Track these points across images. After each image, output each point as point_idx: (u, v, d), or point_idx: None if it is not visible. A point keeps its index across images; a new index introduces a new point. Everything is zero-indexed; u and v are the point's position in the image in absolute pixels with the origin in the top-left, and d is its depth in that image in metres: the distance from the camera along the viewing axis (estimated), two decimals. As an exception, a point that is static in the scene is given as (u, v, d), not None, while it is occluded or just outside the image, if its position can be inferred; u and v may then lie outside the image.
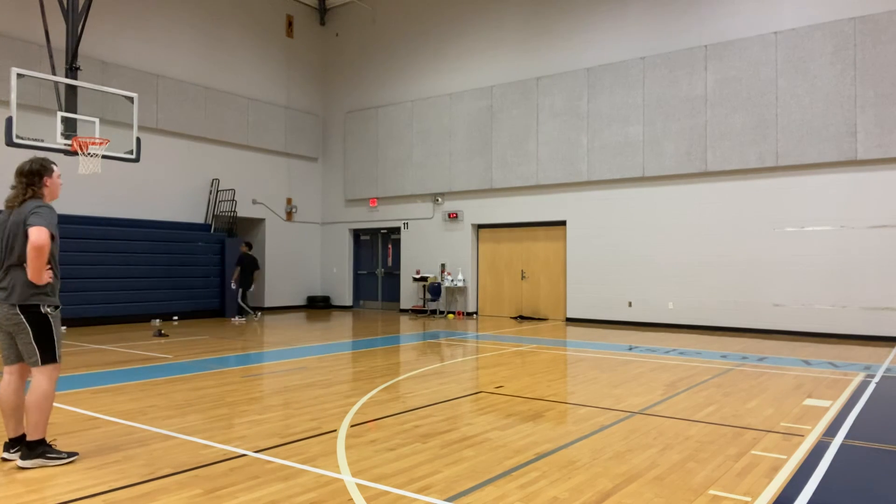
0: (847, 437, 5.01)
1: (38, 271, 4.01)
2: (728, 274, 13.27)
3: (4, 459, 4.24)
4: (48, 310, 4.15)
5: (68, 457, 4.21)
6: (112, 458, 4.36)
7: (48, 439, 4.24)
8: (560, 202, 15.65)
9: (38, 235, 3.93)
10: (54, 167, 4.34)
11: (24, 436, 4.26)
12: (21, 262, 4.08)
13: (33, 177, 4.24)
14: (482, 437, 4.94)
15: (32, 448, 4.11)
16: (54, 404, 5.93)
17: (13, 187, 4.26)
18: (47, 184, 4.30)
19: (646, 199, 14.39)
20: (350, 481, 3.90)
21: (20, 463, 4.09)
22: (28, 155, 4.74)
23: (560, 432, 5.14)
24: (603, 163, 14.84)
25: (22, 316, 4.08)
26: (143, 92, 14.43)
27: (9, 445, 4.27)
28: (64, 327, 12.81)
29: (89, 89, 10.87)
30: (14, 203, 4.22)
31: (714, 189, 13.53)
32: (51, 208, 4.16)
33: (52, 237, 4.03)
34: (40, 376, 4.13)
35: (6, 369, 4.25)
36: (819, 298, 12.35)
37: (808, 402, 6.35)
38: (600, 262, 14.94)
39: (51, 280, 4.13)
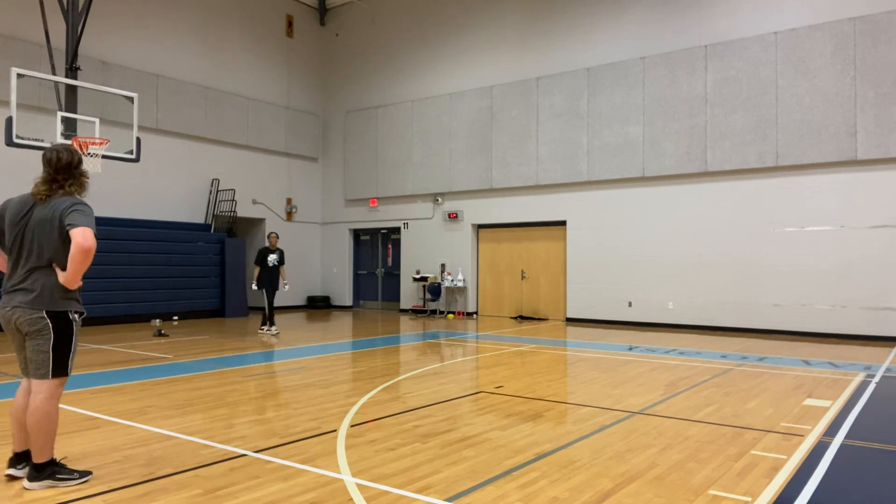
0: (847, 437, 5.01)
1: (79, 276, 3.68)
2: (728, 274, 13.27)
3: (11, 477, 3.83)
4: (75, 316, 3.80)
5: (80, 477, 3.83)
6: (112, 458, 4.36)
7: (59, 458, 3.91)
8: (560, 202, 15.65)
9: (86, 237, 3.57)
10: None
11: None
12: (51, 264, 3.72)
13: (76, 168, 3.85)
14: (482, 437, 4.94)
15: (40, 469, 3.73)
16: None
17: (44, 179, 3.80)
18: (88, 174, 3.96)
19: (646, 199, 14.39)
20: (350, 481, 3.90)
21: (27, 485, 3.72)
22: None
23: (560, 432, 5.14)
24: (603, 163, 14.84)
25: (48, 320, 3.70)
26: (143, 92, 14.43)
27: (14, 461, 3.87)
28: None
29: (89, 89, 10.86)
30: (42, 196, 3.76)
31: (714, 189, 13.53)
32: (89, 206, 3.77)
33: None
34: (43, 394, 3.72)
35: (25, 378, 3.91)
36: (819, 298, 12.35)
37: (808, 402, 6.35)
38: (600, 262, 14.94)
39: (80, 283, 3.80)
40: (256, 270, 12.23)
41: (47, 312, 3.71)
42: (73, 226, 3.61)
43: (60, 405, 5.88)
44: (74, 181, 3.85)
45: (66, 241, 3.67)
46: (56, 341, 3.73)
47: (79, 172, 3.89)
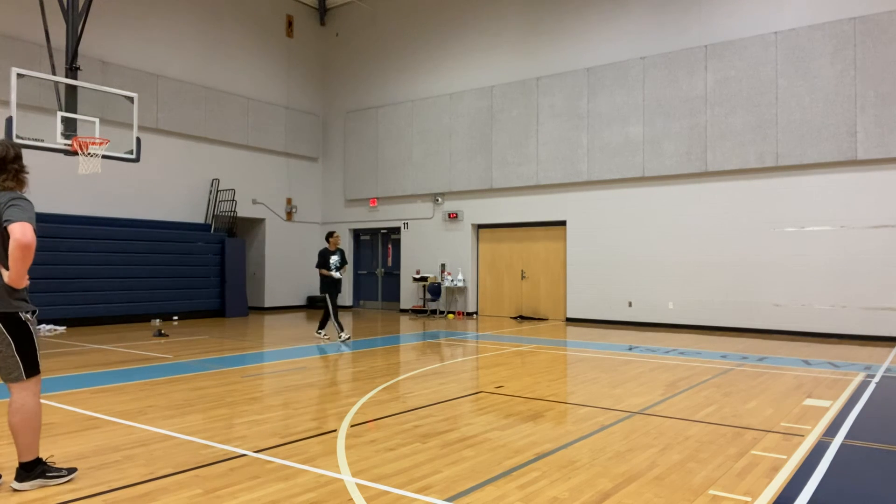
0: (847, 437, 5.01)
1: (22, 274, 3.57)
2: (728, 274, 13.27)
3: None
4: (27, 316, 3.72)
5: (68, 473, 3.87)
6: (112, 458, 4.36)
7: (44, 457, 3.92)
8: (560, 202, 15.65)
9: (25, 232, 3.48)
10: None
11: None
12: None
13: (10, 163, 3.76)
14: (482, 437, 4.94)
15: (29, 469, 3.75)
16: (53, 404, 5.96)
17: None
18: (27, 170, 3.85)
19: (646, 199, 14.39)
20: (350, 481, 3.90)
21: (15, 485, 3.73)
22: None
23: (560, 432, 5.14)
24: (603, 163, 14.84)
25: (1, 325, 3.64)
26: (143, 92, 14.43)
27: None
28: (63, 327, 12.84)
29: (89, 89, 10.86)
30: None
31: (714, 189, 13.53)
32: (30, 200, 3.70)
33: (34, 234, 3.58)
34: (23, 393, 3.71)
35: None
36: (819, 298, 12.35)
37: (808, 402, 6.35)
38: (600, 262, 14.94)
39: (27, 283, 3.70)
40: (323, 273, 11.32)
41: None
42: (10, 221, 3.51)
43: (61, 405, 5.93)
44: (9, 176, 3.75)
45: (6, 238, 3.58)
46: (17, 344, 3.68)
47: (15, 167, 3.78)
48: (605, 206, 14.94)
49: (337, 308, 11.42)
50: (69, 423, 5.32)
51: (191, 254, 15.67)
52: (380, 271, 19.58)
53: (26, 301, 3.76)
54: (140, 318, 14.45)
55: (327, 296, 11.34)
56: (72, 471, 3.91)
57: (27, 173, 3.86)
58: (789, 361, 9.16)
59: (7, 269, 3.62)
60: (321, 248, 11.92)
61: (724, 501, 3.62)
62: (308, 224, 19.90)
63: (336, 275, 11.26)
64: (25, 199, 3.68)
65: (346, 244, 19.79)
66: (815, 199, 12.44)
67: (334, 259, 11.35)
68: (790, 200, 12.68)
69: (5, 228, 3.54)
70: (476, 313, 17.26)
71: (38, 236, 3.61)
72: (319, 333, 11.49)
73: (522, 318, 16.28)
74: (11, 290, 3.66)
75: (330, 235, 11.61)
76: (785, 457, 4.45)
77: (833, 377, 7.81)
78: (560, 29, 15.72)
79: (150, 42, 15.78)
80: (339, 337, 11.18)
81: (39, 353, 3.82)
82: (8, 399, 3.80)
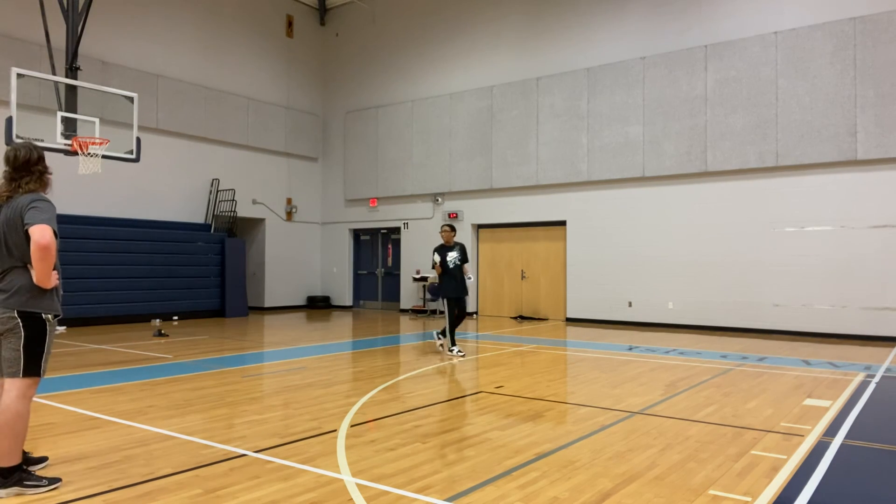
0: (847, 437, 5.01)
1: (46, 274, 3.63)
2: (728, 274, 13.27)
3: None
4: (49, 317, 3.76)
5: (49, 484, 3.70)
6: (112, 458, 4.36)
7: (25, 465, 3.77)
8: (560, 202, 15.65)
9: (43, 234, 3.53)
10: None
11: None
12: (25, 263, 3.67)
13: (34, 165, 3.82)
14: (482, 437, 4.94)
15: (7, 475, 3.58)
16: (53, 404, 5.96)
17: (5, 178, 3.82)
18: (51, 171, 3.91)
19: (646, 199, 14.39)
20: (350, 481, 3.90)
21: None
22: None
23: (560, 432, 5.14)
24: (603, 163, 14.84)
25: (20, 320, 3.65)
26: (143, 92, 14.41)
27: None
28: (63, 327, 12.83)
29: (89, 89, 10.86)
30: (4, 197, 3.75)
31: (714, 189, 13.53)
32: (50, 202, 3.74)
33: (55, 234, 3.61)
34: (14, 392, 3.62)
35: None
36: (819, 298, 12.35)
37: (808, 402, 6.35)
38: (600, 262, 14.94)
39: (57, 283, 3.76)
40: (438, 272, 9.77)
41: (19, 312, 3.65)
42: (30, 224, 3.57)
43: (61, 405, 5.93)
44: (32, 178, 3.80)
45: (29, 239, 3.61)
46: (27, 341, 3.66)
47: (38, 169, 3.84)
48: (605, 206, 14.94)
49: (455, 318, 9.69)
50: (69, 423, 5.32)
51: (191, 254, 15.67)
52: (380, 271, 19.58)
53: (53, 301, 3.78)
54: (140, 318, 14.44)
55: (445, 301, 9.73)
56: (54, 481, 3.75)
57: (51, 174, 3.92)
58: (789, 361, 9.16)
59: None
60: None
61: (724, 501, 3.62)
62: (308, 224, 19.90)
63: (449, 263, 9.53)
64: (45, 201, 3.73)
65: (347, 244, 19.79)
66: (815, 199, 12.44)
67: (452, 256, 9.75)
68: (790, 200, 12.68)
69: (27, 231, 3.59)
70: (476, 313, 17.26)
71: (56, 237, 3.65)
72: (439, 339, 9.93)
73: (522, 318, 16.28)
74: (40, 290, 3.71)
75: (441, 229, 10.01)
76: (785, 457, 4.45)
77: (833, 377, 7.81)
78: (560, 29, 15.72)
79: (150, 42, 15.78)
80: (450, 350, 9.59)
81: (48, 357, 3.77)
82: None
